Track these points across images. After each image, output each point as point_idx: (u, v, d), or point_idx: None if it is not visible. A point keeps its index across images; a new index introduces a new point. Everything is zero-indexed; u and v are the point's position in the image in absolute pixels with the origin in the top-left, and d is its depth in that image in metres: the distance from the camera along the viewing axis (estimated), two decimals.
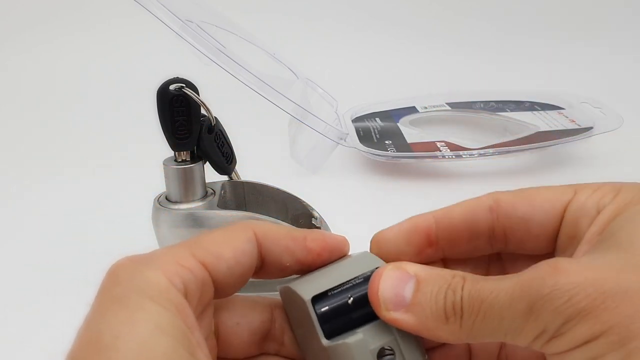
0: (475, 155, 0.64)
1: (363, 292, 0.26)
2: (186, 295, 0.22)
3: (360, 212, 0.57)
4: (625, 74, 0.98)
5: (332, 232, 0.40)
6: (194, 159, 0.42)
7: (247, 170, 0.46)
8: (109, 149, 0.75)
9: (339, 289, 0.26)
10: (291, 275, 0.27)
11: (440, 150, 0.65)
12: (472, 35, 1.07)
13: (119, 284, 0.21)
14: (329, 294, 0.26)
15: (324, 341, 0.25)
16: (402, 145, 0.68)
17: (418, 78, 0.98)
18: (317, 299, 0.26)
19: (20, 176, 0.68)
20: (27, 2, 1.02)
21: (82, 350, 0.20)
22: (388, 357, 0.25)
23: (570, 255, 0.25)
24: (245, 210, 0.43)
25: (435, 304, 0.23)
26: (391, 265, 0.25)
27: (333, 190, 0.61)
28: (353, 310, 0.26)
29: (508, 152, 0.64)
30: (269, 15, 1.02)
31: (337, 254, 0.27)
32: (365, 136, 0.70)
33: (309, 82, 0.70)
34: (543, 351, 0.22)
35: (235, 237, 0.25)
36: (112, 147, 0.75)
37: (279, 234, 0.26)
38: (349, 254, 0.28)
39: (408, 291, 0.24)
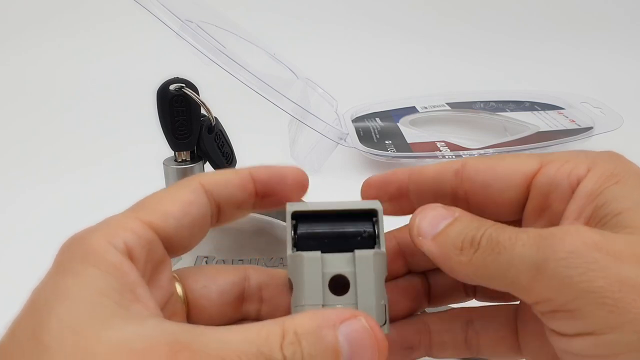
0: (475, 156, 0.64)
1: (345, 222, 0.26)
2: (130, 255, 0.23)
3: None
4: (625, 74, 0.98)
5: None
6: (194, 159, 0.42)
7: None
8: (109, 149, 0.75)
9: (327, 215, 0.27)
10: (251, 213, 0.28)
11: (440, 150, 0.65)
12: (472, 35, 1.07)
13: (63, 254, 0.23)
14: (315, 216, 0.26)
15: (289, 251, 0.26)
16: (402, 145, 0.68)
17: (418, 78, 0.98)
18: (302, 217, 0.26)
19: (20, 176, 0.68)
20: (27, 1, 1.02)
21: (19, 318, 0.21)
22: (340, 293, 0.25)
23: (542, 226, 0.25)
24: None
25: (457, 236, 0.24)
26: (441, 204, 0.26)
27: (333, 190, 0.61)
28: (330, 236, 0.26)
29: (508, 152, 0.64)
30: (269, 15, 1.02)
31: (290, 181, 0.27)
32: (365, 136, 0.70)
33: (308, 82, 0.70)
34: (548, 325, 0.22)
35: (179, 191, 0.26)
36: (112, 147, 0.75)
37: (225, 175, 0.27)
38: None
39: (442, 224, 0.25)
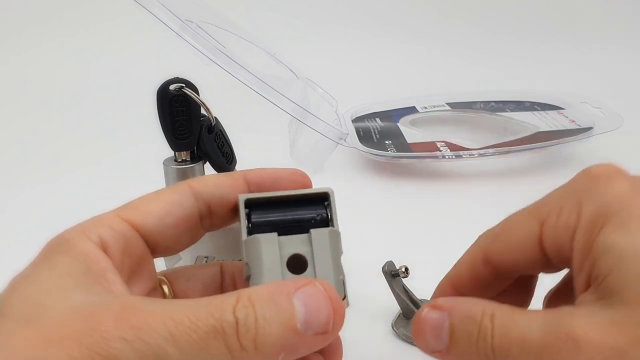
0: (475, 155, 0.64)
1: (299, 207, 0.27)
2: (104, 247, 0.24)
3: (360, 212, 0.57)
4: (625, 74, 0.98)
5: None
6: (194, 159, 0.42)
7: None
8: (109, 149, 0.75)
9: (280, 201, 0.27)
10: None
11: (440, 150, 0.65)
12: (472, 35, 1.07)
13: (43, 249, 0.24)
14: (267, 202, 0.27)
15: (243, 236, 0.26)
16: (402, 145, 0.68)
17: (418, 78, 0.98)
18: (256, 205, 0.27)
19: (21, 176, 0.68)
20: (27, 2, 1.02)
21: None
22: (299, 272, 0.25)
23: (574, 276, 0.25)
24: None
25: (468, 350, 0.24)
26: (427, 308, 0.26)
27: (333, 190, 0.61)
28: (285, 221, 0.26)
29: (508, 152, 0.64)
30: (269, 15, 1.02)
31: (285, 183, 0.28)
32: (365, 136, 0.70)
33: (308, 82, 0.70)
34: None
35: (165, 192, 0.27)
36: (112, 147, 0.75)
37: (216, 177, 0.28)
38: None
39: (445, 336, 0.25)
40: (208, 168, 0.43)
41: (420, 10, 1.08)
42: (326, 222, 0.27)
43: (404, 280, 0.41)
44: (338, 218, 0.27)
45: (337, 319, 0.23)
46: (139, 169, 0.61)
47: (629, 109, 0.72)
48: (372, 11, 1.08)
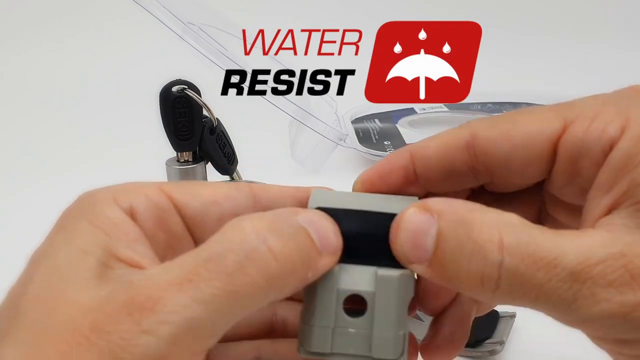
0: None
1: (374, 228, 0.22)
2: (133, 216, 0.22)
3: None
4: (624, 74, 0.98)
5: None
6: (196, 159, 0.42)
7: (248, 170, 0.46)
8: (111, 150, 0.75)
9: (356, 215, 0.23)
10: None
11: None
12: None
13: (69, 207, 0.22)
14: (343, 215, 0.22)
15: None
16: (400, 146, 0.68)
17: None
18: (329, 213, 0.22)
19: (21, 176, 0.68)
20: (32, 2, 1.02)
21: (16, 282, 0.21)
22: (355, 315, 0.22)
23: (572, 193, 0.22)
24: None
25: (457, 265, 0.20)
26: (413, 208, 0.22)
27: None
28: (355, 241, 0.22)
29: None
30: (269, 16, 1.03)
31: None
32: (364, 137, 0.71)
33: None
34: (597, 343, 0.21)
35: (222, 184, 0.24)
36: (115, 147, 0.76)
37: (283, 189, 0.24)
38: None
39: (429, 243, 0.21)
40: (210, 169, 0.43)
41: (420, 10, 1.08)
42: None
43: None
44: None
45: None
46: (142, 169, 0.62)
47: None
48: (372, 11, 1.08)
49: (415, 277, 0.23)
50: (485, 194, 0.25)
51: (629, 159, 0.20)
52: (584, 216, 0.22)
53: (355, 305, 0.22)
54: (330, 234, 0.21)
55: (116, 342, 0.18)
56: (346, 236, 0.22)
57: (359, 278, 0.22)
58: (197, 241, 0.23)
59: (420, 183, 0.24)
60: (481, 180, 0.24)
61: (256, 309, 0.20)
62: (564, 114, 0.22)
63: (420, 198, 0.24)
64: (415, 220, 0.21)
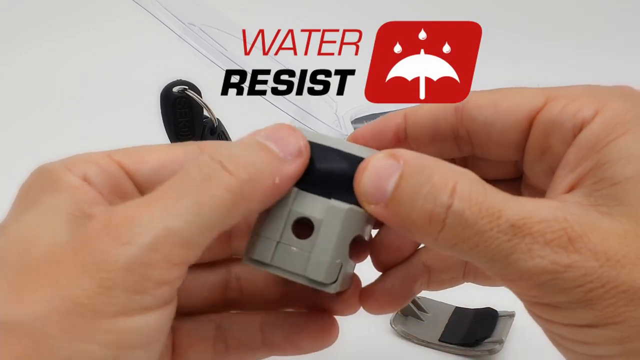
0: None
1: (343, 166, 0.24)
2: (87, 182, 0.23)
3: None
4: (624, 75, 0.98)
5: None
6: None
7: None
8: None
9: (330, 151, 0.24)
10: None
11: None
12: None
13: (26, 184, 0.24)
14: (320, 149, 0.24)
15: None
16: None
17: None
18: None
19: (21, 176, 0.68)
20: (32, 2, 1.02)
21: None
22: (302, 237, 0.23)
23: (541, 171, 0.23)
24: None
25: (412, 204, 0.21)
26: (382, 154, 0.23)
27: None
28: (323, 174, 0.24)
29: None
30: (269, 16, 1.03)
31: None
32: None
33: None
34: (530, 309, 0.21)
35: (170, 146, 0.25)
36: (115, 148, 0.76)
37: (236, 143, 0.26)
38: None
39: (391, 184, 0.22)
40: None
41: (419, 10, 1.08)
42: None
43: None
44: None
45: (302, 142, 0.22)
46: None
47: None
48: (371, 11, 1.08)
49: (367, 218, 0.24)
50: None
51: (597, 140, 0.21)
52: (548, 193, 0.22)
53: (307, 232, 0.23)
54: (289, 139, 0.23)
55: (98, 256, 0.19)
56: (316, 168, 0.24)
57: (314, 206, 0.23)
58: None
59: (409, 144, 0.26)
60: (463, 150, 0.25)
61: (232, 222, 0.21)
62: (549, 92, 0.24)
63: None
64: (381, 165, 0.22)
